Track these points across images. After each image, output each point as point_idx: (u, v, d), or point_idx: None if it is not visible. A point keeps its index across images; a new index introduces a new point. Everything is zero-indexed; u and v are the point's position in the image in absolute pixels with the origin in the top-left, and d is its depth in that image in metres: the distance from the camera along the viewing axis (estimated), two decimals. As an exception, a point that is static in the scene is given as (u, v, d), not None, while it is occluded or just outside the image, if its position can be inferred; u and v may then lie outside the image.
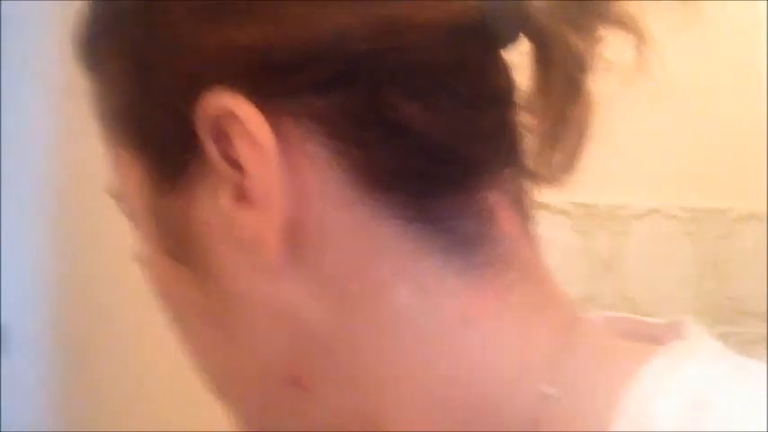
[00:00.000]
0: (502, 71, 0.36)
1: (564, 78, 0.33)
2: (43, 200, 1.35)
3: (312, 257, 0.33)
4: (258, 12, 0.32)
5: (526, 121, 0.36)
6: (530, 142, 0.36)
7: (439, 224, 0.33)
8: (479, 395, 0.33)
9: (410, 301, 0.33)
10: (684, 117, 1.50)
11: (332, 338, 0.33)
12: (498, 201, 0.35)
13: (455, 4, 0.33)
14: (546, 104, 0.34)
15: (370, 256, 0.33)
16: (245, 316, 0.34)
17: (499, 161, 0.35)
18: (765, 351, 1.37)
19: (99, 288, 1.26)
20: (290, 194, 0.32)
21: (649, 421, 0.31)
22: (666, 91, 1.48)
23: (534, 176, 0.36)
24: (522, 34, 0.34)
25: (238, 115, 0.31)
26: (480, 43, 0.34)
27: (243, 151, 0.31)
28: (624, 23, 0.34)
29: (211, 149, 0.32)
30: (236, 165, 0.32)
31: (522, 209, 0.36)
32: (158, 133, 0.34)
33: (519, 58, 0.36)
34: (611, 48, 0.35)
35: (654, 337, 0.37)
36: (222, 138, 0.32)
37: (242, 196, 0.32)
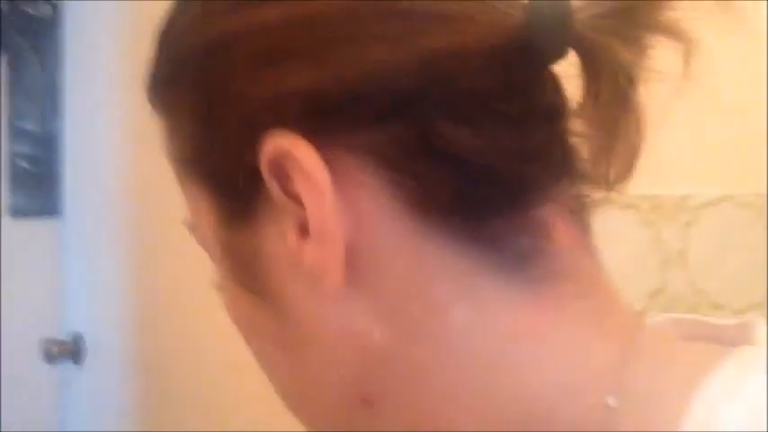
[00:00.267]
0: (551, 87, 0.36)
1: (613, 91, 0.33)
2: (117, 207, 1.37)
3: (373, 283, 0.34)
4: (307, 56, 0.33)
5: (581, 130, 0.36)
6: (585, 151, 0.36)
7: (494, 243, 0.34)
8: (542, 409, 0.34)
9: (469, 318, 0.34)
10: (751, 101, 1.46)
11: (396, 358, 0.35)
12: (554, 214, 0.35)
13: (497, 27, 0.33)
14: (597, 116, 0.34)
15: (428, 279, 0.34)
16: (314, 341, 0.36)
17: (552, 176, 0.35)
18: None
19: (175, 298, 1.28)
20: (348, 224, 0.33)
21: (717, 428, 0.31)
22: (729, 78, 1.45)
23: (591, 186, 0.36)
24: (570, 48, 0.34)
25: (295, 155, 0.33)
26: (526, 62, 0.34)
27: (301, 188, 0.33)
28: (672, 32, 0.33)
29: (274, 188, 0.34)
30: (297, 200, 0.34)
31: (579, 219, 0.37)
32: (225, 173, 0.36)
33: (570, 69, 0.35)
34: (660, 57, 0.34)
35: (723, 340, 0.36)
36: (283, 176, 0.34)
37: (305, 230, 0.34)
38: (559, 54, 0.34)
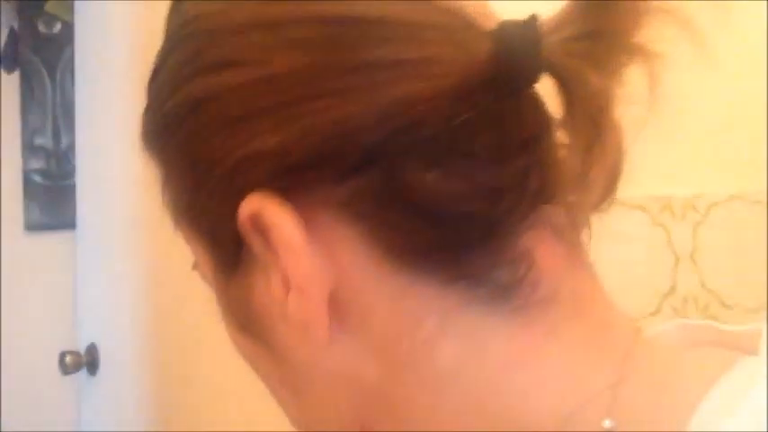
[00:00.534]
0: (528, 111, 0.34)
1: (586, 114, 0.33)
2: (130, 220, 1.38)
3: (361, 326, 0.35)
4: (271, 117, 0.33)
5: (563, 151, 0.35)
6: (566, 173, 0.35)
7: (475, 279, 0.34)
8: None
9: (457, 352, 0.34)
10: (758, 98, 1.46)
11: (389, 394, 0.35)
12: (537, 238, 0.35)
13: (462, 64, 0.32)
14: (572, 138, 0.34)
15: (414, 318, 0.34)
16: (310, 381, 0.37)
17: (530, 205, 0.34)
18: None
19: (187, 307, 1.29)
20: (330, 275, 0.34)
21: None
22: (739, 73, 1.45)
23: (571, 208, 0.35)
24: (541, 73, 0.33)
25: (267, 217, 0.33)
26: (497, 93, 0.33)
27: (277, 247, 0.33)
28: (643, 54, 0.33)
29: (255, 244, 0.34)
30: (278, 255, 0.34)
31: (566, 238, 0.36)
32: (212, 226, 0.37)
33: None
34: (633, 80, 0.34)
35: (731, 346, 0.36)
36: (262, 233, 0.34)
37: (288, 283, 0.34)
38: (531, 80, 0.33)
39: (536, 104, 0.35)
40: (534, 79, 0.33)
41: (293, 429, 0.41)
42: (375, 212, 0.33)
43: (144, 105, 0.39)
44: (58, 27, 1.88)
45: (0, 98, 1.76)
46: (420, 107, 0.32)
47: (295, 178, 0.33)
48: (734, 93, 1.47)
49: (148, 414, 1.37)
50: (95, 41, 1.50)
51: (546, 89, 0.34)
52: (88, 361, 1.40)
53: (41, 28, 1.89)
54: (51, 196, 1.79)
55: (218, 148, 0.34)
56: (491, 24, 0.33)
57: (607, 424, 0.32)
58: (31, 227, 1.74)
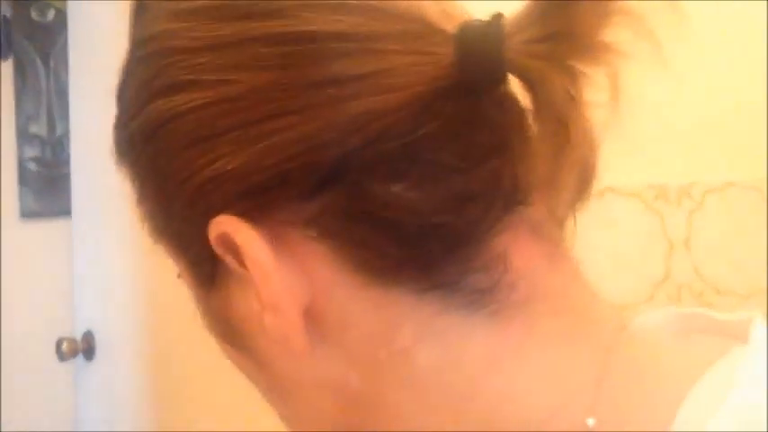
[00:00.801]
0: (494, 115, 0.33)
1: (551, 115, 0.32)
2: (125, 206, 1.38)
3: (339, 337, 0.35)
4: (232, 138, 0.33)
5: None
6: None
7: (449, 286, 0.33)
8: None
9: (436, 357, 0.34)
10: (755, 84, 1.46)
11: (372, 400, 0.35)
12: (512, 238, 0.34)
13: (423, 73, 0.32)
14: (540, 142, 0.33)
15: (390, 326, 0.34)
16: (295, 387, 0.37)
17: (503, 208, 0.34)
18: None
19: (183, 293, 1.29)
20: (304, 290, 0.34)
21: None
22: (738, 60, 1.45)
23: (549, 203, 0.35)
24: (505, 74, 0.33)
25: (234, 238, 0.33)
26: (461, 99, 0.32)
27: (248, 266, 0.33)
28: (607, 54, 0.32)
29: (229, 262, 0.34)
30: None
31: (545, 234, 0.35)
32: (186, 244, 0.36)
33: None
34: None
35: (724, 334, 0.36)
36: (233, 252, 0.34)
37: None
38: (496, 83, 0.33)
39: (505, 103, 0.34)
40: (499, 82, 0.32)
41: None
42: (342, 230, 0.33)
43: (115, 117, 0.39)
44: (51, 14, 1.88)
45: (-6, 86, 1.75)
46: (381, 121, 0.32)
47: (261, 198, 0.33)
48: (730, 81, 1.47)
49: (144, 400, 1.38)
50: (89, 28, 1.49)
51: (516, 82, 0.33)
52: (84, 347, 1.41)
53: (35, 15, 1.89)
54: (46, 184, 1.79)
55: (183, 169, 0.34)
56: (454, 26, 0.32)
57: (590, 422, 0.32)
58: (26, 214, 1.74)
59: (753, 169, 1.49)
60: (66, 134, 1.72)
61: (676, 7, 0.31)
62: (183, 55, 0.34)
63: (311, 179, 0.32)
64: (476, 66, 0.31)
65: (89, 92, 1.50)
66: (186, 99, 0.34)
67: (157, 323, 1.36)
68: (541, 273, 0.35)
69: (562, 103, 0.31)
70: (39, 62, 1.91)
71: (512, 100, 0.34)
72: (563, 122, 0.32)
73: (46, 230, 1.67)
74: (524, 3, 0.32)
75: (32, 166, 1.80)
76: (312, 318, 0.34)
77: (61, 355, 1.37)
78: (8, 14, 1.85)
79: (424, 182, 0.32)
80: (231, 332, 0.37)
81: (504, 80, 0.32)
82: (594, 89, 0.32)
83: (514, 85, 0.33)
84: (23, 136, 1.85)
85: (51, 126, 1.84)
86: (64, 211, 1.61)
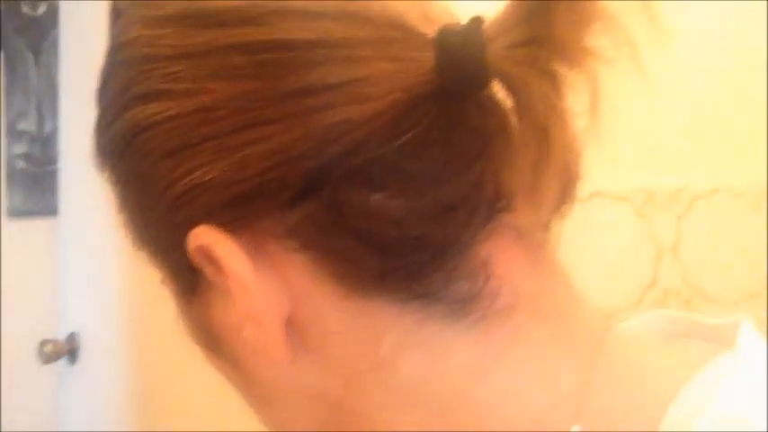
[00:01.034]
0: (476, 121, 0.32)
1: (534, 122, 0.31)
2: (112, 207, 1.37)
3: (320, 346, 0.34)
4: (209, 149, 0.32)
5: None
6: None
7: (432, 296, 0.33)
8: None
9: (420, 366, 0.34)
10: (745, 89, 1.46)
11: (355, 410, 0.35)
12: (495, 246, 0.34)
13: (402, 80, 0.31)
14: (522, 148, 0.32)
15: (372, 336, 0.34)
16: (277, 395, 0.37)
17: (485, 217, 0.33)
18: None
19: (169, 297, 1.28)
20: (284, 300, 0.33)
21: None
22: (730, 66, 1.45)
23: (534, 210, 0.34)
24: (487, 79, 0.32)
25: (212, 250, 0.33)
26: (441, 107, 0.31)
27: (227, 278, 0.33)
28: (588, 59, 0.31)
29: (209, 272, 0.34)
30: None
31: (529, 240, 0.35)
32: (167, 253, 0.36)
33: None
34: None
35: (711, 338, 0.36)
36: (213, 263, 0.33)
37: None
38: (478, 89, 0.32)
39: (487, 108, 0.33)
40: (481, 87, 0.32)
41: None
42: (323, 240, 0.32)
43: (96, 119, 0.39)
44: (42, 9, 1.87)
45: (-18, 82, 1.74)
46: (360, 130, 0.31)
47: (241, 209, 0.33)
48: (720, 87, 1.48)
49: (127, 403, 1.37)
50: (81, 23, 1.48)
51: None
52: (68, 349, 1.40)
53: (25, 9, 1.87)
54: (35, 182, 1.78)
55: (161, 178, 0.34)
56: (434, 30, 0.31)
57: (575, 428, 0.32)
58: (14, 213, 1.73)
59: (741, 175, 1.49)
60: (55, 132, 1.71)
61: (655, 15, 0.30)
62: (159, 63, 0.34)
63: (290, 190, 0.32)
64: (457, 71, 0.31)
65: (80, 88, 1.49)
66: (162, 108, 0.33)
67: (142, 326, 1.35)
68: (525, 279, 0.34)
69: (544, 109, 0.31)
70: (29, 57, 1.89)
71: (494, 103, 0.33)
72: (545, 127, 0.31)
73: (33, 229, 1.66)
74: (506, 2, 0.31)
75: (21, 163, 1.79)
76: (294, 328, 0.34)
77: (45, 357, 1.35)
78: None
79: (406, 191, 0.32)
80: (213, 341, 0.37)
81: (486, 85, 0.32)
82: (577, 95, 0.32)
83: (495, 85, 0.32)
84: (12, 133, 1.84)
85: (41, 123, 1.83)
86: (52, 210, 1.60)
